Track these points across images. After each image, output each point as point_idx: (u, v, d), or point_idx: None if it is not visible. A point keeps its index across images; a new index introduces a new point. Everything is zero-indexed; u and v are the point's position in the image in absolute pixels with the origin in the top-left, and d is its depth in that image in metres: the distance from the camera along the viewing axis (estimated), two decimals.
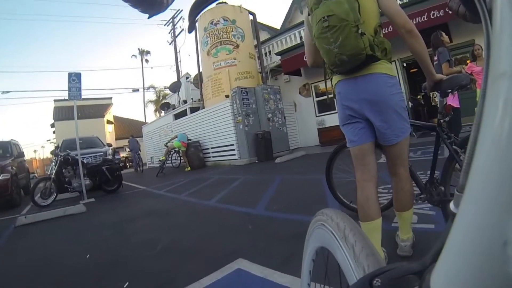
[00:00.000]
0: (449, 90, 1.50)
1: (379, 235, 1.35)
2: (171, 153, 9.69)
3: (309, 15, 1.36)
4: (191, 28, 11.49)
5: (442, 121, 1.58)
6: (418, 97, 9.77)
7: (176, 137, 9.54)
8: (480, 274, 0.18)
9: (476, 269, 0.19)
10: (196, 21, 10.89)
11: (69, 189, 5.51)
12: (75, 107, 5.52)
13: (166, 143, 9.73)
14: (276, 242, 2.03)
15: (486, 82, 0.20)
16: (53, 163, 6.12)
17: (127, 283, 1.70)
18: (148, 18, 0.58)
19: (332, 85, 1.49)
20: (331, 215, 0.50)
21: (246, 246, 2.01)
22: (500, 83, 0.18)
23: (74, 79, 5.37)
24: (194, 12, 10.79)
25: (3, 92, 18.61)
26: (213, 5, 10.42)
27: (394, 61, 7.33)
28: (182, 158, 9.66)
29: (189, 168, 9.12)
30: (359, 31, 1.18)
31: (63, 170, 5.49)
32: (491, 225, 0.18)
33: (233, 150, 8.52)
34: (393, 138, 1.33)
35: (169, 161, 10.05)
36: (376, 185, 1.40)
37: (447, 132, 1.56)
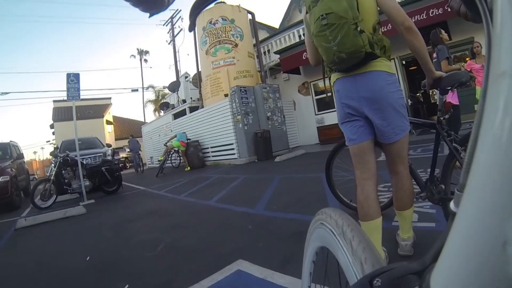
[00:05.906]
0: (449, 88, 1.47)
1: (380, 235, 1.33)
2: (171, 152, 9.70)
3: (307, 13, 1.33)
4: (192, 27, 11.48)
5: (442, 118, 1.56)
6: (418, 94, 9.76)
7: (176, 136, 9.55)
8: (480, 274, 0.19)
9: (476, 269, 0.19)
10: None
11: (69, 191, 5.48)
12: (73, 108, 5.50)
13: (166, 143, 9.80)
14: (276, 241, 2.02)
15: (487, 82, 0.20)
16: (53, 165, 6.11)
17: (127, 286, 1.69)
18: (149, 17, 0.58)
19: (330, 84, 1.47)
20: (330, 213, 0.51)
21: (246, 246, 2.01)
22: (500, 82, 0.18)
23: (73, 79, 5.35)
24: (195, 11, 10.78)
25: (2, 93, 18.43)
26: (212, 4, 10.41)
27: (394, 59, 7.31)
28: (181, 157, 9.67)
29: (188, 168, 9.09)
30: (358, 29, 1.16)
31: (63, 172, 5.46)
32: (491, 224, 0.18)
33: (233, 149, 8.50)
34: (393, 136, 1.31)
35: (169, 161, 10.06)
36: (376, 184, 1.37)
37: (447, 129, 1.53)
